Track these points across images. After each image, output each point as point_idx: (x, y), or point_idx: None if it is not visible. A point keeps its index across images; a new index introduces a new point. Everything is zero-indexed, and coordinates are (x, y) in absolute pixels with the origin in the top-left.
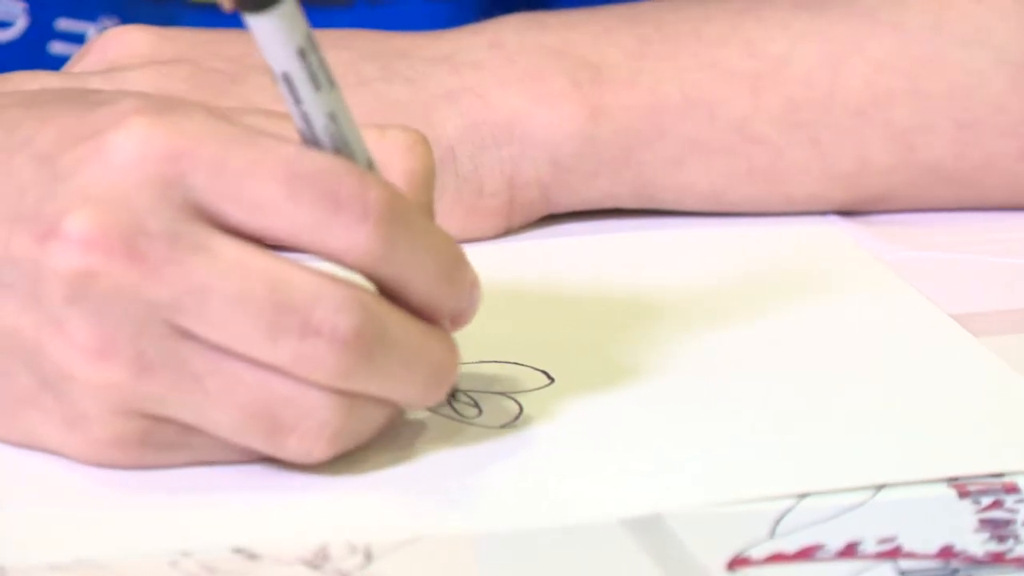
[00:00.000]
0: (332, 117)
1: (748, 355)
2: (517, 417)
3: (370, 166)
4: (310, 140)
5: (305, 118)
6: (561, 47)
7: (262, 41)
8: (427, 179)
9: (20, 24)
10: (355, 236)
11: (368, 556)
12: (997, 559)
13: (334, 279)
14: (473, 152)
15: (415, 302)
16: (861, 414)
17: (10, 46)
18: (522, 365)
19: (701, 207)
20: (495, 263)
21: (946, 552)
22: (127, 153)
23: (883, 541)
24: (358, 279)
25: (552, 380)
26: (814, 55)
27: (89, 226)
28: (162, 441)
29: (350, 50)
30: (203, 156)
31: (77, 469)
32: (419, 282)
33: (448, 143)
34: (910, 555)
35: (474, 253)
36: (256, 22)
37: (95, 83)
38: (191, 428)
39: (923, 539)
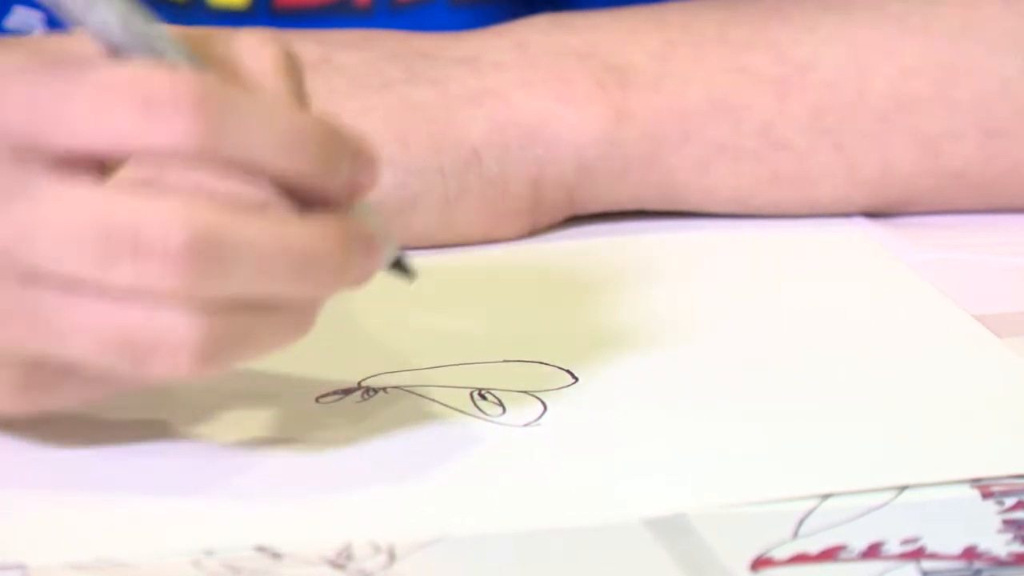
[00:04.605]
0: (123, 23)
1: (772, 355)
2: (541, 416)
3: (191, 63)
4: (112, 54)
5: (98, 34)
6: (587, 49)
7: None
8: (281, 70)
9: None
10: (175, 130)
11: (391, 556)
12: (1021, 560)
13: (159, 196)
14: (498, 155)
15: (284, 185)
16: (884, 415)
17: None
18: (546, 364)
19: (725, 210)
20: (519, 264)
21: (969, 553)
22: None
23: (906, 542)
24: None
25: (576, 379)
26: (840, 59)
27: None
28: (44, 382)
29: (373, 51)
30: (12, 97)
31: (99, 468)
32: (272, 163)
33: (473, 145)
34: (933, 556)
35: (498, 254)
36: None
37: None
38: (63, 366)
39: (946, 540)
